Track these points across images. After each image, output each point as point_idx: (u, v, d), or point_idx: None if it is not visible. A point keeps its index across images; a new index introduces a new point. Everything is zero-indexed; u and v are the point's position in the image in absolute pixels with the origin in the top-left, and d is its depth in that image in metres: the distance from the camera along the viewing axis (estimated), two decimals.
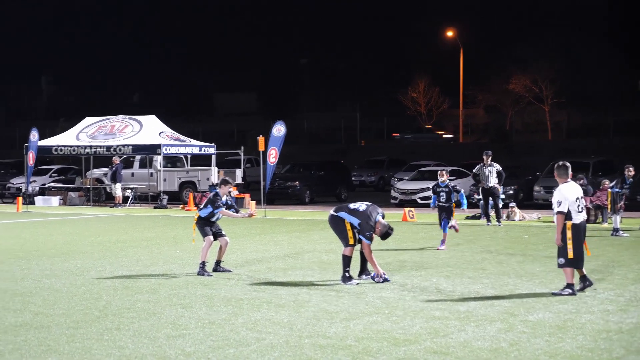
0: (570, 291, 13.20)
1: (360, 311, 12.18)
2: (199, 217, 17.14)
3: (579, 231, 13.43)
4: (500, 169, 26.30)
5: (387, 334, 10.59)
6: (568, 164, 13.96)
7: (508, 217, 29.22)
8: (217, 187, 18.50)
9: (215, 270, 16.60)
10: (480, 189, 27.56)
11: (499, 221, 27.06)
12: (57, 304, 13.10)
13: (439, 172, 23.24)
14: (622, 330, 10.74)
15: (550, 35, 71.38)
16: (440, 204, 21.12)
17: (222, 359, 9.22)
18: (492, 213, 27.75)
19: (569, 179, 13.90)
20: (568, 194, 13.39)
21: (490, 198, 26.95)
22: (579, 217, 13.42)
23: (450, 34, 68.09)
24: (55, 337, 10.36)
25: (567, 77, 65.75)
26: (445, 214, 20.86)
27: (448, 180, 21.54)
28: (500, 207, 27.53)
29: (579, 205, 13.48)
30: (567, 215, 13.33)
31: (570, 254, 13.17)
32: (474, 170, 28.40)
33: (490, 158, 26.18)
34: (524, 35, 74.94)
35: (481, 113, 71.96)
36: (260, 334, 10.60)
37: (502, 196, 28.25)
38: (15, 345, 9.87)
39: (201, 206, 18.02)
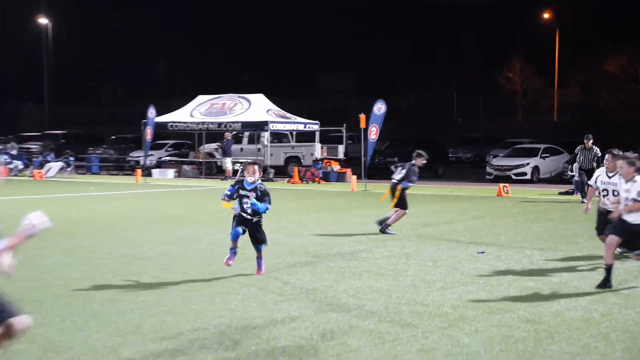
0: None
1: (456, 281, 12.26)
2: (403, 189, 18.50)
3: None
4: (600, 154, 25.64)
5: (481, 303, 10.65)
6: None
7: None
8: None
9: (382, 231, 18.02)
10: (578, 167, 27.10)
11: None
12: (173, 268, 13.50)
13: None
14: None
15: None
16: None
17: (325, 322, 9.33)
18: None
19: None
20: None
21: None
22: None
23: (546, 15, 67.03)
24: (172, 299, 10.72)
25: None
26: None
27: None
28: None
29: None
30: None
31: None
32: (575, 151, 27.71)
33: (591, 141, 25.60)
34: (621, 15, 73.18)
35: (576, 92, 70.42)
36: (361, 301, 10.74)
37: None
38: (135, 305, 10.21)
39: (400, 177, 18.70)
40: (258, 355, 7.87)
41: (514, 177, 39.25)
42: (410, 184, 18.81)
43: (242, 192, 12.40)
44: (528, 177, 39.69)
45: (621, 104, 64.65)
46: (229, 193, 12.50)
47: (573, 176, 28.53)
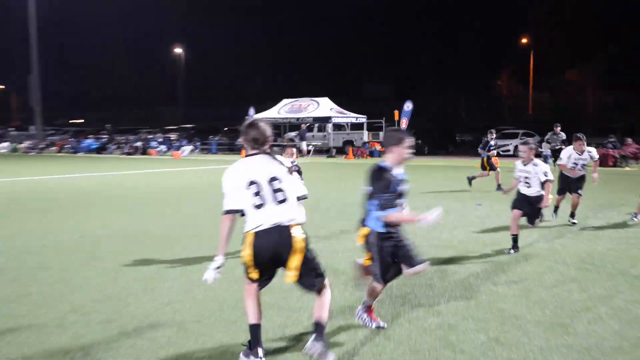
0: None
1: (461, 224, 12.31)
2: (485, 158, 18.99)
3: None
4: (564, 137, 24.39)
5: (480, 239, 10.72)
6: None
7: None
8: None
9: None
10: (548, 146, 26.56)
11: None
12: None
13: None
14: None
15: None
16: None
17: None
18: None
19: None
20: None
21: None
22: None
23: (524, 40, 66.13)
24: None
25: None
26: None
27: None
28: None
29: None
30: None
31: None
32: (547, 135, 26.93)
33: (559, 128, 25.00)
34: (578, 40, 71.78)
35: (546, 95, 69.37)
36: None
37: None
38: None
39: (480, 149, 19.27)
40: None
41: (501, 153, 38.93)
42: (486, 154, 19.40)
43: None
44: (511, 152, 39.65)
45: (578, 104, 63.44)
46: None
47: (542, 152, 28.19)
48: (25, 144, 51.87)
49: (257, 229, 4.87)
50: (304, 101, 45.40)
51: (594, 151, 12.63)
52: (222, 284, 7.65)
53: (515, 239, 9.59)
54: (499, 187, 18.31)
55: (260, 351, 5.05)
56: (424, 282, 7.76)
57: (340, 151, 43.47)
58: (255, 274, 5.05)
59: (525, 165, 9.78)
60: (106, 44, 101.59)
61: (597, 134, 37.72)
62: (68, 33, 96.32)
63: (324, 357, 4.87)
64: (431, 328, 6.05)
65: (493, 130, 20.51)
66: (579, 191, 12.44)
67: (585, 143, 12.48)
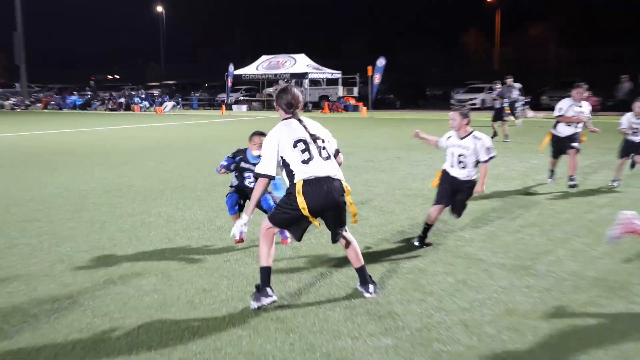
0: None
1: (431, 174, 12.31)
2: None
3: None
4: (521, 86, 23.91)
5: None
6: None
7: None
8: None
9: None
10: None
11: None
12: None
13: None
14: None
15: None
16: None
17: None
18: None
19: None
20: None
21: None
22: None
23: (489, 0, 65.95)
24: None
25: None
26: None
27: None
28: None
29: None
30: None
31: None
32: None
33: (511, 79, 23.93)
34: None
35: (510, 50, 69.52)
36: (369, 187, 10.88)
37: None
38: None
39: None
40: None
41: (468, 106, 39.13)
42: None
43: (243, 164, 7.06)
44: (478, 105, 39.65)
45: (541, 59, 63.48)
46: (225, 164, 7.08)
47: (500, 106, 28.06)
48: (11, 100, 51.05)
49: (306, 178, 4.93)
50: (281, 57, 45.02)
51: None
52: (204, 234, 7.65)
53: (426, 229, 7.08)
54: (506, 137, 19.03)
55: (269, 290, 5.12)
56: (396, 228, 7.81)
57: (317, 106, 43.30)
58: (306, 215, 4.99)
59: (461, 138, 6.96)
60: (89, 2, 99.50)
61: (559, 88, 37.79)
62: None
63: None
64: (403, 272, 6.10)
65: (498, 82, 20.84)
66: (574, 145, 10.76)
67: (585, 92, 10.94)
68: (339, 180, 5.06)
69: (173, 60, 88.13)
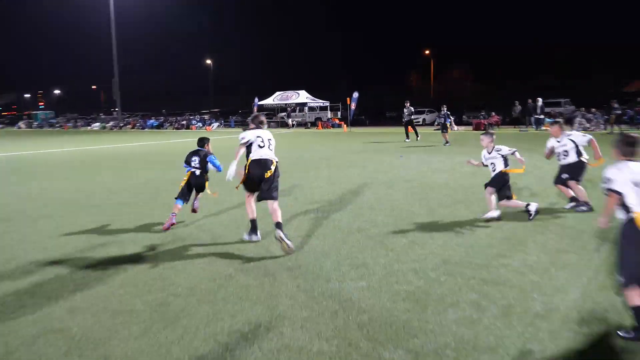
0: None
1: (387, 169, 12.09)
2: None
3: None
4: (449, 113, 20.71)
5: (401, 177, 10.55)
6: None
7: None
8: None
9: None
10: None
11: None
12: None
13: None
14: None
15: None
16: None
17: (333, 184, 9.27)
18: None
19: None
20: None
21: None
22: None
23: (427, 52, 65.56)
24: None
25: None
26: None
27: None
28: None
29: None
30: None
31: None
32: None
33: (445, 107, 20.86)
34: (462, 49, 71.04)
35: (443, 86, 69.22)
36: (349, 178, 10.71)
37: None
38: None
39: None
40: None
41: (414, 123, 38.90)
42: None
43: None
44: (421, 122, 39.35)
45: (461, 91, 63.13)
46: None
47: (439, 123, 27.85)
48: (110, 123, 50.73)
49: (255, 158, 5.67)
50: (289, 92, 44.65)
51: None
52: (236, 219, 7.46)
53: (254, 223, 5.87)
54: (448, 142, 18.91)
55: (258, 232, 5.82)
56: (366, 206, 7.68)
57: (313, 124, 43.03)
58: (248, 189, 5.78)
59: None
60: (162, 57, 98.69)
61: (473, 110, 37.69)
62: (137, 49, 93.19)
63: (286, 239, 5.27)
64: (372, 235, 5.98)
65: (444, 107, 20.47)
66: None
67: (563, 127, 7.46)
68: (271, 160, 5.66)
69: (218, 94, 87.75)
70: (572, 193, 7.21)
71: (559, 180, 7.35)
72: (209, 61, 76.23)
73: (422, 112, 41.93)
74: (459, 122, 35.45)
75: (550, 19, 63.77)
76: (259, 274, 4.67)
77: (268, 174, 5.57)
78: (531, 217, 6.50)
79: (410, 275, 4.58)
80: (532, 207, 6.57)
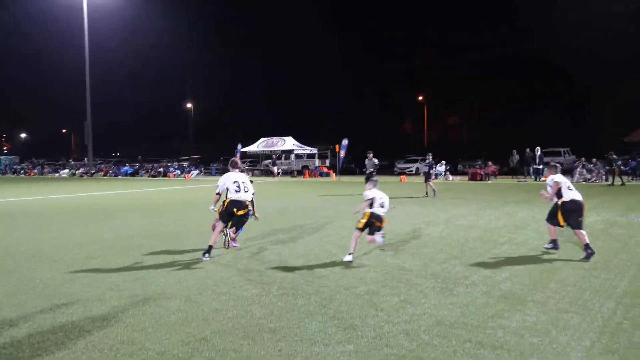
0: None
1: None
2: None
3: None
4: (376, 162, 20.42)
5: (395, 229, 10.62)
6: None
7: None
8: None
9: None
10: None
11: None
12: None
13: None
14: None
15: None
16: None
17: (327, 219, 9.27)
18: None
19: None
20: None
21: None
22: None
23: (420, 97, 67.27)
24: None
25: None
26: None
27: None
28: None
29: None
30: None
31: None
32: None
33: (371, 154, 20.63)
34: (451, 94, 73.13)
35: (435, 132, 70.68)
36: (339, 223, 10.68)
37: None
38: None
39: None
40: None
41: (407, 172, 39.38)
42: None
43: None
44: (414, 172, 39.94)
45: (456, 138, 64.46)
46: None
47: (423, 172, 27.83)
48: (80, 170, 50.60)
49: (233, 198, 7.87)
50: (275, 139, 45.14)
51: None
52: (217, 267, 7.45)
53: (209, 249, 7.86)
54: (427, 195, 18.85)
55: (208, 256, 7.86)
56: (355, 262, 7.68)
57: (300, 173, 43.37)
58: (223, 221, 8.02)
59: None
60: (139, 99, 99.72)
61: (469, 159, 38.36)
62: (112, 90, 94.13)
63: (229, 236, 8.21)
64: (361, 294, 5.97)
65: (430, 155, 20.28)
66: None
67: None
68: (245, 201, 7.91)
69: (199, 140, 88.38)
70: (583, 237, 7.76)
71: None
72: (189, 105, 77.22)
73: (415, 161, 42.58)
74: (454, 172, 36.03)
75: (544, 67, 66.16)
76: (237, 337, 4.62)
77: (242, 212, 7.87)
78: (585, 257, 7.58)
79: (402, 338, 4.56)
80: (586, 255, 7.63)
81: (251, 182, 8.40)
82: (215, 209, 8.03)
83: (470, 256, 7.97)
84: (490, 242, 9.15)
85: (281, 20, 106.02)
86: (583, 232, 7.65)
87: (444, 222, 11.88)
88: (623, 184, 23.04)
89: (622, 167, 25.12)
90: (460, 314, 5.21)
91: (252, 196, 8.15)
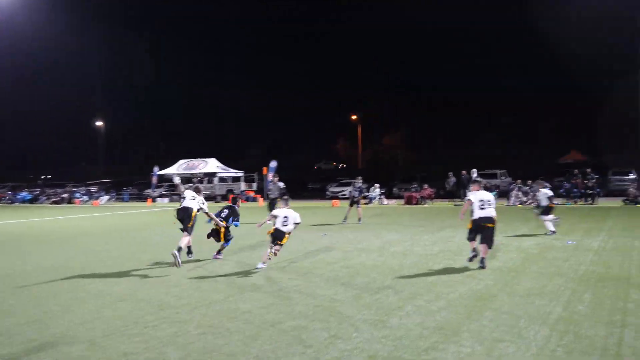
0: None
1: (312, 247, 12.19)
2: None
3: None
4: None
5: (323, 259, 10.64)
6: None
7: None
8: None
9: None
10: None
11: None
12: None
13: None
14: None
15: None
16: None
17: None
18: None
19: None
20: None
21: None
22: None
23: (354, 117, 68.58)
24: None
25: None
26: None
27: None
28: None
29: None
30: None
31: None
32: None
33: (277, 177, 21.44)
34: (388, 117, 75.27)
35: (370, 153, 72.16)
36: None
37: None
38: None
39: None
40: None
41: (340, 196, 39.79)
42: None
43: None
44: (347, 196, 40.34)
45: (392, 160, 66.03)
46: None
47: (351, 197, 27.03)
48: None
49: (182, 206, 10.52)
50: (196, 161, 44.40)
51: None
52: (128, 305, 7.19)
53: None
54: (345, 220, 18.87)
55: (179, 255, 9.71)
56: (283, 294, 7.64)
57: (224, 197, 42.80)
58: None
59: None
60: (42, 117, 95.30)
61: (405, 182, 39.31)
62: (11, 106, 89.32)
63: (177, 259, 9.64)
64: (288, 330, 5.93)
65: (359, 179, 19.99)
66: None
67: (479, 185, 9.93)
68: (191, 208, 10.51)
69: (111, 162, 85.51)
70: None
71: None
72: (99, 123, 74.60)
73: (348, 184, 43.13)
74: (389, 196, 36.80)
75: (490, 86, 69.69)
76: None
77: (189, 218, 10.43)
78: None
79: None
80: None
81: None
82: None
83: (404, 285, 8.13)
84: (426, 270, 9.38)
85: (206, 33, 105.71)
86: (487, 247, 9.34)
87: (377, 249, 12.06)
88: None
89: (559, 190, 26.64)
90: (394, 347, 5.29)
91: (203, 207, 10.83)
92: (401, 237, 14.18)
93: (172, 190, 46.70)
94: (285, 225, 9.23)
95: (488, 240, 9.29)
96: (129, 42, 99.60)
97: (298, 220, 9.70)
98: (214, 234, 10.85)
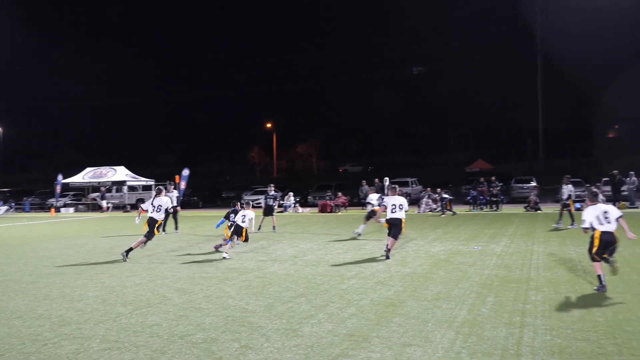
0: None
1: (289, 254, 12.05)
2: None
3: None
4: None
5: (217, 271, 10.51)
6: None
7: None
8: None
9: None
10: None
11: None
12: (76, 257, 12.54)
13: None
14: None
15: None
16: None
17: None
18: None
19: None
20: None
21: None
22: None
23: (269, 125, 68.54)
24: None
25: None
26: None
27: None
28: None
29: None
30: None
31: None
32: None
33: (172, 186, 21.87)
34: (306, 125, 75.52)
35: (285, 162, 72.29)
36: (205, 258, 10.33)
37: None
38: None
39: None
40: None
41: (255, 205, 39.33)
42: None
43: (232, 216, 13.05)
44: (262, 206, 39.97)
45: (306, 168, 66.63)
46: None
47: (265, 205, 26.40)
48: None
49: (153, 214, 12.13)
50: (104, 169, 42.60)
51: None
52: (25, 322, 6.77)
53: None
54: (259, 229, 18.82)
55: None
56: (193, 306, 7.48)
57: (135, 207, 41.34)
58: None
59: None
60: None
61: (320, 190, 39.68)
62: None
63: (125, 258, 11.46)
64: (197, 342, 5.80)
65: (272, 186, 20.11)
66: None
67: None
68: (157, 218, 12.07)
69: (10, 171, 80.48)
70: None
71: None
72: None
73: (263, 192, 42.92)
74: (304, 204, 37.01)
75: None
76: None
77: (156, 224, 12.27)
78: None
79: None
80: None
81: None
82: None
83: (317, 293, 8.18)
84: (338, 277, 9.49)
85: (109, 36, 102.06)
86: (394, 241, 11.63)
87: (291, 258, 12.08)
88: (454, 213, 24.82)
89: (466, 198, 27.78)
90: (305, 356, 5.30)
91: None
92: (314, 246, 14.27)
93: (77, 199, 44.63)
94: (244, 222, 12.20)
95: (396, 235, 11.61)
96: (28, 48, 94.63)
97: (251, 216, 12.41)
98: (236, 232, 12.30)
